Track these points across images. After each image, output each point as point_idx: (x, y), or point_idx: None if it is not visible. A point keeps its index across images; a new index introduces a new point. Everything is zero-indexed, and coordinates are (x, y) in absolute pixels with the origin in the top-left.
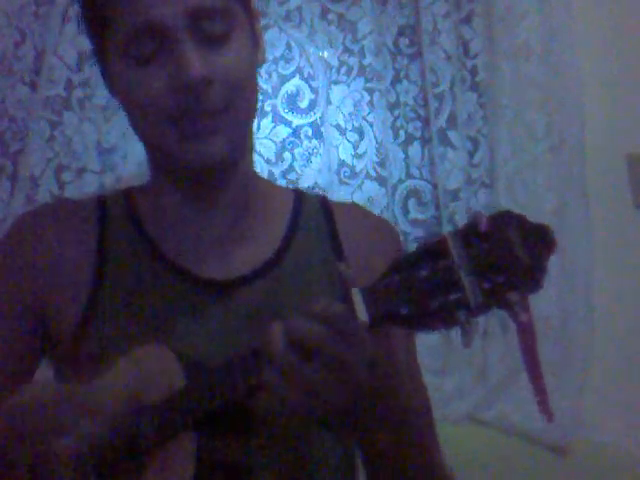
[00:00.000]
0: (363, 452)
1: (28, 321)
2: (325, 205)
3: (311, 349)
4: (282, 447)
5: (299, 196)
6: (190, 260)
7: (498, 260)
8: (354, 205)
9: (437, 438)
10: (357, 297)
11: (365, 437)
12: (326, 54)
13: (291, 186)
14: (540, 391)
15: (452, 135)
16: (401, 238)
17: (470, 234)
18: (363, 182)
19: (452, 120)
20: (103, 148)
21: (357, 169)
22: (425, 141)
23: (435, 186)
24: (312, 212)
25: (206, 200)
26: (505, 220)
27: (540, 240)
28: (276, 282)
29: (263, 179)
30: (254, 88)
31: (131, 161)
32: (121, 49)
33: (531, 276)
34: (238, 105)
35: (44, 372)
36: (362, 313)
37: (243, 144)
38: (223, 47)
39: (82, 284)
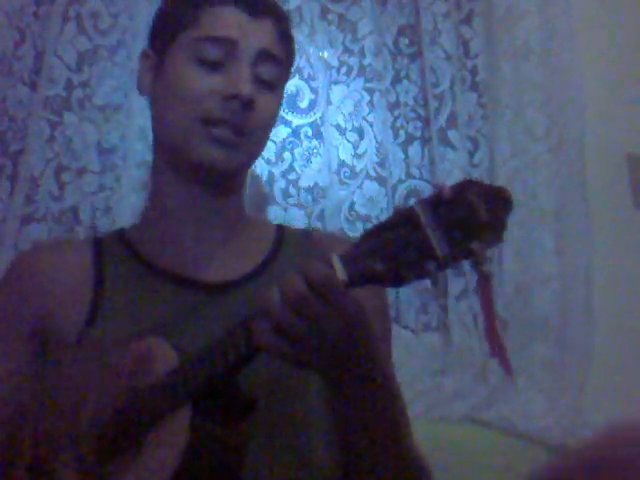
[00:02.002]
0: (337, 427)
1: (33, 346)
2: (307, 235)
3: (299, 305)
4: (273, 430)
5: (281, 226)
6: (185, 269)
7: (461, 217)
8: (337, 234)
9: (408, 421)
10: (336, 261)
11: (338, 393)
12: (326, 54)
13: (294, 191)
14: (495, 342)
15: (452, 135)
16: None
17: (436, 201)
18: (363, 182)
19: (452, 120)
20: (103, 148)
21: (357, 169)
22: (425, 141)
23: (435, 186)
24: (294, 237)
25: (204, 214)
26: (466, 186)
27: (498, 199)
28: (263, 286)
29: (249, 213)
30: (269, 134)
31: (131, 161)
32: (192, 47)
33: (491, 228)
34: (257, 138)
35: None
36: (341, 273)
37: (247, 166)
38: (266, 93)
39: (81, 306)
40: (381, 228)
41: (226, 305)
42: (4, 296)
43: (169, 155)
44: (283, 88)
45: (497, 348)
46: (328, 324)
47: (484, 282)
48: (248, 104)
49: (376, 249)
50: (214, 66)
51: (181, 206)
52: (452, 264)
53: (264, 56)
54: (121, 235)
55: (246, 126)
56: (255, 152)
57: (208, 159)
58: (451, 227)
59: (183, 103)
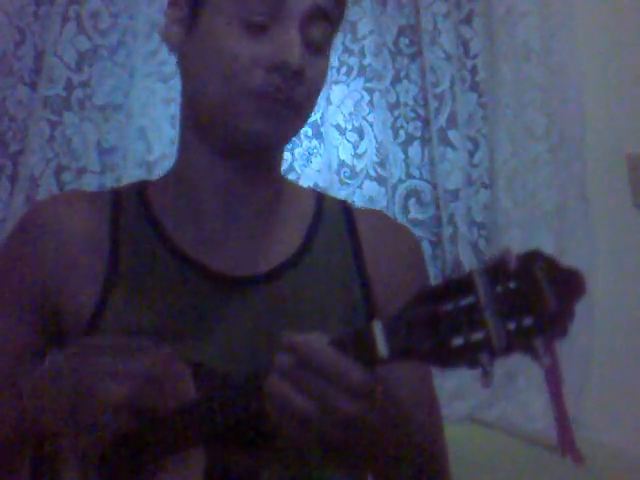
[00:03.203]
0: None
1: (37, 314)
2: (346, 209)
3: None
4: (289, 460)
5: (320, 198)
6: (208, 255)
7: (525, 301)
8: (377, 212)
9: (447, 460)
10: (377, 329)
11: (366, 466)
12: None
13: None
14: (565, 431)
15: (452, 135)
16: (419, 242)
17: (497, 272)
18: (363, 182)
19: (452, 120)
20: (103, 148)
21: (357, 169)
22: (425, 141)
23: (435, 186)
24: (333, 215)
25: (235, 191)
26: (534, 260)
27: (569, 284)
28: (293, 283)
29: (287, 179)
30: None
31: (131, 161)
32: (233, 4)
33: (558, 322)
34: (305, 109)
35: None
36: (382, 345)
37: (294, 137)
38: (316, 56)
39: (95, 277)
40: (434, 295)
41: (250, 303)
42: (11, 250)
43: (203, 128)
44: (332, 44)
45: (568, 439)
46: (339, 412)
47: (548, 373)
48: (297, 74)
49: (425, 324)
50: (258, 28)
51: (208, 186)
52: (507, 355)
53: (316, 15)
54: (140, 191)
55: (295, 98)
56: (304, 122)
57: (255, 132)
58: (513, 315)
59: (223, 72)
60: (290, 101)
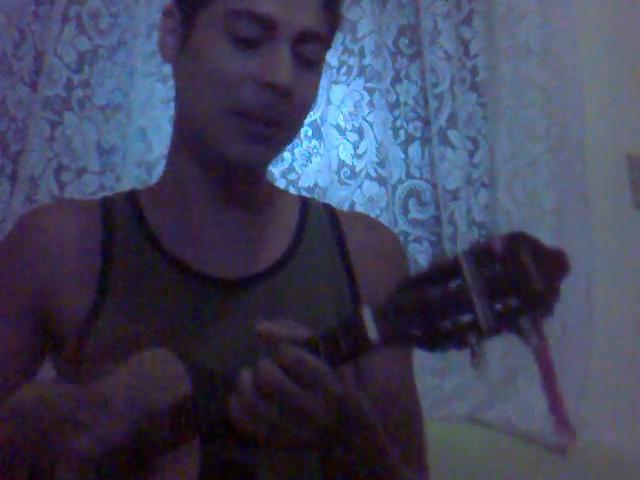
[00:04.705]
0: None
1: (31, 321)
2: (331, 212)
3: (272, 393)
4: (286, 457)
5: (305, 202)
6: (198, 259)
7: (511, 282)
8: (361, 214)
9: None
10: (367, 315)
11: (330, 463)
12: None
13: (294, 191)
14: (559, 412)
15: (452, 135)
16: (402, 242)
17: (483, 255)
18: (363, 182)
19: (452, 120)
20: (103, 148)
21: (357, 169)
22: (425, 141)
23: (435, 186)
24: (318, 218)
25: (223, 198)
26: (519, 242)
27: (554, 264)
28: (283, 283)
29: (271, 183)
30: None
31: (131, 161)
32: (224, 20)
33: (544, 300)
34: (293, 127)
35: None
36: (372, 331)
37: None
38: (308, 73)
39: (88, 283)
40: (422, 280)
41: (240, 305)
42: (3, 259)
43: (191, 143)
44: (324, 57)
45: (562, 419)
46: (307, 406)
47: (537, 354)
48: (286, 94)
49: (414, 308)
50: (249, 44)
51: (198, 192)
52: (495, 336)
53: (307, 35)
54: (130, 199)
55: (283, 118)
56: (290, 141)
57: (239, 155)
58: (499, 294)
59: (212, 88)
60: (276, 121)
